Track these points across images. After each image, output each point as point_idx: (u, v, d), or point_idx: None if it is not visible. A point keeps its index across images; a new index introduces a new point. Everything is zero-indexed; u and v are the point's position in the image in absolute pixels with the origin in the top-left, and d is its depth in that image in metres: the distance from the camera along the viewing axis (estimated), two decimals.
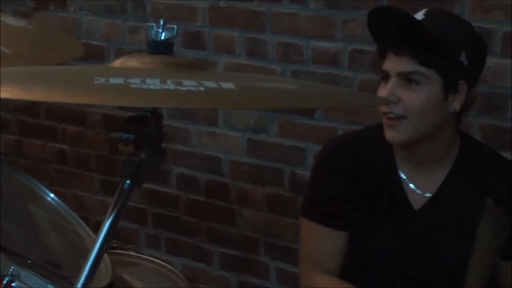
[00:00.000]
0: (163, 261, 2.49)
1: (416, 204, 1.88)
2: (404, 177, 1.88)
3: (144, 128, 1.24)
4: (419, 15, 1.77)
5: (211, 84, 1.14)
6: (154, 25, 1.29)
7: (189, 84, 1.12)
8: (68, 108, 3.28)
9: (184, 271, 3.01)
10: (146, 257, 2.54)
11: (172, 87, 1.09)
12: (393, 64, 1.76)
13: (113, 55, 3.08)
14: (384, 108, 1.77)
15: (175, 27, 1.30)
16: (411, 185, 1.88)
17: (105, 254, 2.23)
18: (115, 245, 2.93)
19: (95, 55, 3.06)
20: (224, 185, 2.95)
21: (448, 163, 1.87)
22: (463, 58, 1.74)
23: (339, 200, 1.91)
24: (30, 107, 3.41)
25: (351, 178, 1.90)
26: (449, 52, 1.73)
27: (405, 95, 1.74)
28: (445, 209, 1.87)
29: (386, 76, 1.78)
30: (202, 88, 1.11)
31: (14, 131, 3.48)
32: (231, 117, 2.89)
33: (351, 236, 1.93)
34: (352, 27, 2.55)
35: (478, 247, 1.63)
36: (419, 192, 1.88)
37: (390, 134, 1.78)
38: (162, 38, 1.28)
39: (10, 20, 2.29)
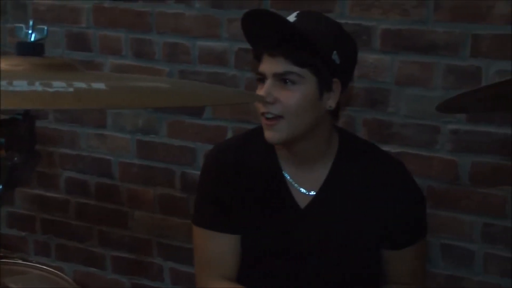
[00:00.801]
0: (53, 268, 2.44)
1: (302, 203, 1.90)
2: (289, 177, 1.90)
3: (15, 131, 1.21)
4: (291, 17, 1.79)
5: (81, 84, 1.13)
6: (23, 26, 1.26)
7: (58, 85, 1.11)
8: None
9: (75, 276, 2.98)
10: (35, 264, 2.47)
11: (39, 88, 1.08)
12: (269, 66, 1.78)
13: None
14: (261, 109, 1.79)
15: (45, 28, 1.28)
16: (296, 185, 1.90)
17: None
18: (1, 254, 2.85)
19: None
20: (115, 187, 2.93)
21: (329, 160, 1.90)
22: (335, 57, 1.77)
23: (228, 204, 1.92)
24: None
25: (238, 181, 1.91)
26: (322, 51, 1.76)
27: (282, 95, 1.76)
28: (329, 205, 1.90)
29: (262, 78, 1.80)
30: (71, 89, 1.10)
31: None
32: (120, 118, 2.87)
33: (244, 238, 1.94)
34: (237, 26, 2.55)
35: None
36: (304, 191, 1.90)
37: (269, 134, 1.80)
38: (32, 39, 1.26)
39: None
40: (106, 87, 1.15)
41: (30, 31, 1.26)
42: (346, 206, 1.89)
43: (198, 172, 2.02)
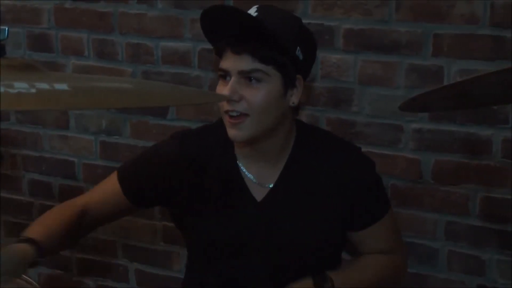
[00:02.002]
0: None
1: (259, 196, 1.89)
2: (245, 171, 1.90)
3: None
4: (251, 11, 1.76)
5: (43, 85, 1.12)
6: None
7: (20, 86, 1.10)
8: None
9: (40, 279, 2.94)
10: None
11: (1, 89, 1.06)
12: (233, 63, 1.74)
13: None
14: (226, 107, 1.76)
15: (6, 28, 1.25)
16: (252, 179, 1.89)
17: None
18: None
19: None
20: (79, 189, 2.89)
21: (285, 154, 1.89)
22: (298, 53, 1.76)
23: (169, 197, 1.93)
24: None
25: (192, 175, 1.90)
26: (287, 47, 1.74)
27: (247, 93, 1.73)
28: (285, 197, 1.89)
29: (224, 75, 1.77)
30: (33, 90, 1.08)
31: None
32: (83, 119, 2.84)
33: (197, 231, 1.93)
34: (200, 26, 2.53)
35: None
36: (261, 184, 1.89)
37: (233, 133, 1.77)
38: None
39: None
40: (68, 88, 1.13)
41: None
42: (304, 195, 1.89)
43: None
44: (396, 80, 2.34)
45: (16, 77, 1.16)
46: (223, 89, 1.75)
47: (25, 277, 2.40)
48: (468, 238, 2.37)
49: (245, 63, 1.73)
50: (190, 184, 1.89)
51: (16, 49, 2.82)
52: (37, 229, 1.82)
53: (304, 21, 1.91)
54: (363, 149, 2.35)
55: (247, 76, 1.74)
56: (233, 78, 1.74)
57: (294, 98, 1.80)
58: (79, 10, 2.74)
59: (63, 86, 1.14)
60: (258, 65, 1.72)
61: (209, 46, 2.51)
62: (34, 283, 2.38)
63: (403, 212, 2.39)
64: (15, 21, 2.81)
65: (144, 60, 2.67)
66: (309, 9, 2.38)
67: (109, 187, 1.98)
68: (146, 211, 2.76)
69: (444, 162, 2.35)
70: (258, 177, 1.89)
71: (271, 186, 1.89)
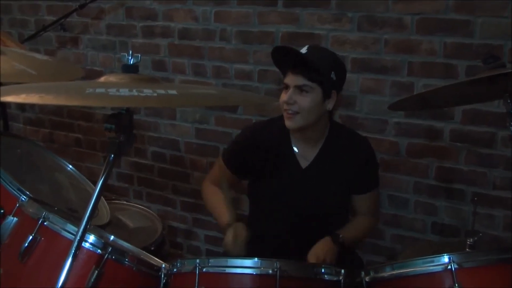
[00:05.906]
0: (145, 207, 2.47)
1: (304, 165, 1.89)
2: (296, 149, 1.89)
3: (121, 121, 1.21)
4: (304, 49, 1.77)
5: (161, 91, 1.13)
6: (126, 54, 1.26)
7: (147, 91, 1.11)
8: (81, 110, 3.19)
9: (158, 212, 2.98)
10: (134, 204, 2.50)
11: (135, 93, 1.08)
12: (292, 79, 1.76)
13: None
14: (285, 107, 1.78)
15: (139, 55, 1.28)
16: (300, 154, 1.89)
17: (106, 203, 2.20)
18: (113, 197, 2.87)
19: (95, 76, 2.95)
20: (181, 157, 2.92)
21: (322, 138, 1.89)
22: (333, 75, 1.76)
23: (246, 162, 1.91)
24: (57, 110, 3.29)
25: (261, 149, 1.89)
26: (324, 72, 1.75)
27: (299, 99, 1.76)
28: (321, 167, 1.88)
29: (286, 87, 1.78)
30: (155, 94, 1.10)
31: (47, 126, 3.36)
32: (184, 113, 2.85)
33: (262, 188, 1.91)
34: (259, 55, 2.55)
35: None
36: (305, 157, 1.89)
37: (288, 123, 1.80)
38: (131, 63, 1.26)
39: (38, 56, 2.23)
40: (177, 93, 1.15)
41: (130, 58, 1.26)
42: (332, 166, 1.88)
43: None
44: (384, 91, 2.30)
45: (144, 86, 1.19)
46: (285, 96, 1.77)
47: (150, 210, 2.45)
48: (426, 192, 2.34)
49: (299, 80, 1.74)
50: (260, 157, 1.89)
51: (145, 69, 2.85)
52: (226, 214, 1.79)
53: None
54: (362, 135, 2.34)
55: (300, 89, 1.75)
56: (291, 89, 1.76)
57: (329, 104, 1.80)
58: (183, 45, 2.75)
59: (173, 92, 1.16)
60: (307, 82, 1.74)
61: (264, 68, 2.53)
62: (155, 214, 2.44)
63: (387, 175, 2.37)
64: (145, 52, 2.84)
65: (223, 76, 2.67)
66: (329, 45, 2.37)
67: (220, 168, 1.97)
68: None
69: (413, 143, 2.31)
70: (304, 153, 1.88)
71: (312, 159, 1.88)
